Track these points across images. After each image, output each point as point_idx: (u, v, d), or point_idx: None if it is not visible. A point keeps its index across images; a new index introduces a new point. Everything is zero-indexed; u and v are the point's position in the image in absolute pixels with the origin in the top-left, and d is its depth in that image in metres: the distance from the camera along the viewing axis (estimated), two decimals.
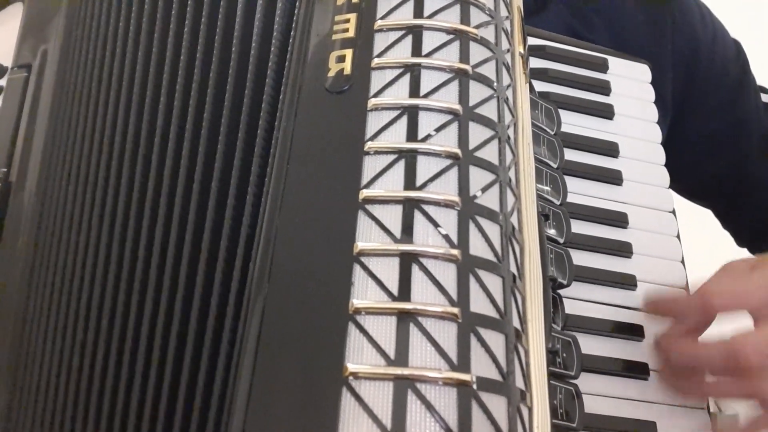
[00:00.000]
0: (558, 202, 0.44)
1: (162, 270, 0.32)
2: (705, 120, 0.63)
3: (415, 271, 0.27)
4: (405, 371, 0.25)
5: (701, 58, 0.63)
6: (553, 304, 0.41)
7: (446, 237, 0.28)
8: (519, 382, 0.27)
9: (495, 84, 0.33)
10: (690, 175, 0.62)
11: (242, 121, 0.34)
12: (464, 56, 0.33)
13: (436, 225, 0.28)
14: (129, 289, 0.33)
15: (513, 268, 0.30)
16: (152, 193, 0.34)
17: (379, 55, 0.33)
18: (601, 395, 0.43)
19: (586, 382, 0.41)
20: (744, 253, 0.70)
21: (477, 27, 0.34)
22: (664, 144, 0.52)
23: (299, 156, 0.31)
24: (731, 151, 0.65)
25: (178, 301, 0.31)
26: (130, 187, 0.35)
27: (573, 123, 0.51)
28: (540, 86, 0.52)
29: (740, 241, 0.70)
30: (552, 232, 0.43)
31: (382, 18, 0.34)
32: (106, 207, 0.35)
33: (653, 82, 0.55)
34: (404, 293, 0.26)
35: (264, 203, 0.31)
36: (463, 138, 0.31)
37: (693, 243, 0.54)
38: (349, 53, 0.33)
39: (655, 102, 0.54)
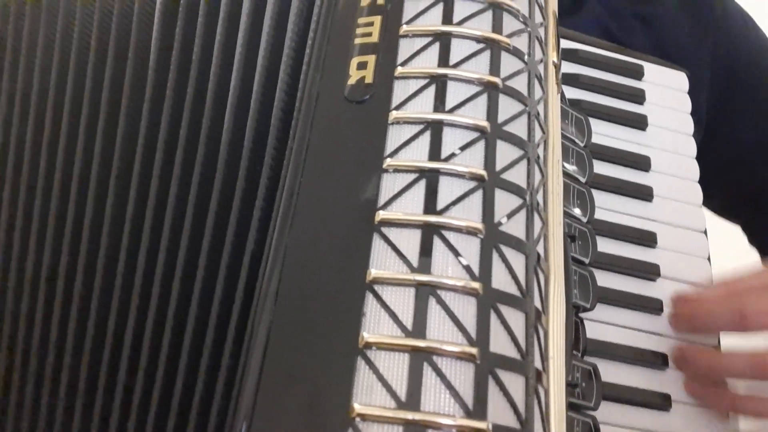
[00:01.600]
0: (585, 220, 0.42)
1: (148, 286, 0.31)
2: (744, 131, 0.61)
3: (432, 305, 0.25)
4: (416, 416, 0.23)
5: (742, 68, 0.60)
6: (574, 329, 0.39)
7: (467, 268, 0.26)
8: (537, 428, 0.26)
9: (526, 98, 0.31)
10: (724, 191, 0.60)
11: (248, 126, 0.32)
12: (495, 68, 0.30)
13: (456, 254, 0.26)
14: (105, 306, 0.31)
15: (537, 302, 0.28)
16: (135, 198, 0.32)
17: (404, 63, 0.30)
18: (619, 426, 0.41)
19: (605, 410, 0.39)
20: None
21: (509, 36, 0.31)
22: (701, 156, 0.50)
23: (314, 169, 0.29)
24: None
25: (169, 321, 0.29)
26: (103, 189, 0.33)
27: (604, 133, 0.49)
28: (571, 93, 0.50)
29: None
30: (577, 253, 0.40)
31: (408, 23, 0.31)
32: (84, 214, 0.33)
33: (690, 90, 0.52)
34: (419, 329, 0.25)
35: (274, 218, 0.29)
36: (489, 158, 0.28)
37: (722, 265, 0.52)
38: (371, 60, 0.31)
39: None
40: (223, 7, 0.35)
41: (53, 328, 0.32)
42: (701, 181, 0.49)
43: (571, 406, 0.36)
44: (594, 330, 0.41)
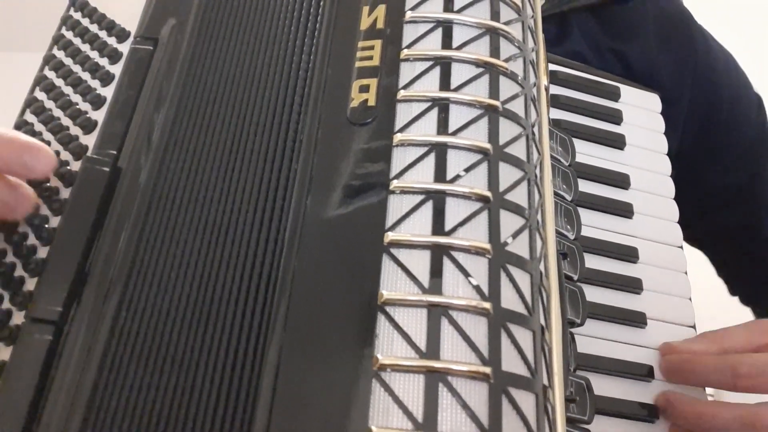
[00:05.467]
0: (572, 237, 0.43)
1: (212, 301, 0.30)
2: (721, 172, 0.61)
3: (445, 325, 0.25)
4: None
5: (721, 110, 0.60)
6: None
7: (477, 288, 0.26)
8: None
9: (524, 121, 0.32)
10: (695, 226, 0.58)
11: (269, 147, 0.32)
12: (494, 91, 0.31)
13: (466, 274, 0.26)
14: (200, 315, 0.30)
15: (542, 320, 0.28)
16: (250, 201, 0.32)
17: (405, 87, 0.31)
18: None
19: (594, 423, 0.40)
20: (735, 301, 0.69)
21: (506, 60, 0.32)
22: (676, 194, 0.51)
23: (319, 191, 0.29)
24: (741, 207, 0.63)
25: (214, 340, 0.29)
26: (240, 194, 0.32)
27: (584, 152, 0.50)
28: (551, 113, 0.51)
29: (734, 291, 0.69)
30: (566, 269, 0.41)
31: (408, 47, 0.32)
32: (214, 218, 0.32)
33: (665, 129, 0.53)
34: (433, 349, 0.25)
35: (280, 241, 0.29)
36: (493, 179, 0.29)
37: (699, 278, 0.54)
38: (373, 83, 0.31)
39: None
40: None
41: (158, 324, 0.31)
42: (680, 215, 0.50)
43: (566, 420, 0.36)
44: (581, 343, 0.42)
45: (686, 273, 0.49)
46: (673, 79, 0.57)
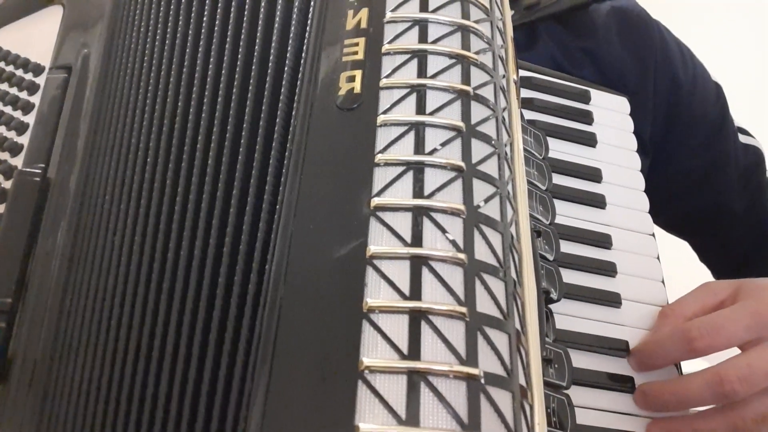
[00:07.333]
0: (547, 222, 0.47)
1: (188, 273, 0.34)
2: (684, 159, 0.65)
3: (425, 273, 0.29)
4: (418, 365, 0.26)
5: (682, 100, 0.65)
6: (545, 315, 0.43)
7: (453, 242, 0.30)
8: (521, 380, 0.29)
9: (493, 105, 0.36)
10: (670, 210, 0.63)
11: (260, 134, 0.36)
12: (465, 79, 0.35)
13: (443, 231, 0.30)
14: (158, 288, 0.34)
15: (513, 275, 0.32)
16: (182, 198, 0.36)
17: (387, 76, 0.35)
18: (587, 407, 0.44)
19: (572, 393, 0.43)
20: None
21: (477, 53, 0.36)
22: (646, 182, 0.54)
23: (312, 166, 0.33)
24: (709, 189, 0.67)
25: (202, 301, 0.32)
26: (163, 192, 0.36)
27: (558, 149, 0.54)
28: (526, 115, 0.55)
29: (718, 276, 0.72)
30: (543, 249, 0.45)
31: (390, 42, 0.36)
32: (140, 210, 0.36)
33: (634, 122, 0.57)
34: (415, 293, 0.28)
35: (279, 210, 0.33)
36: (466, 152, 0.33)
37: (672, 263, 0.57)
38: (358, 74, 0.35)
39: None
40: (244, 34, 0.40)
41: (102, 310, 0.35)
42: (649, 203, 0.54)
43: (546, 385, 0.39)
44: (560, 321, 0.46)
45: (658, 258, 0.52)
46: (638, 73, 0.62)
